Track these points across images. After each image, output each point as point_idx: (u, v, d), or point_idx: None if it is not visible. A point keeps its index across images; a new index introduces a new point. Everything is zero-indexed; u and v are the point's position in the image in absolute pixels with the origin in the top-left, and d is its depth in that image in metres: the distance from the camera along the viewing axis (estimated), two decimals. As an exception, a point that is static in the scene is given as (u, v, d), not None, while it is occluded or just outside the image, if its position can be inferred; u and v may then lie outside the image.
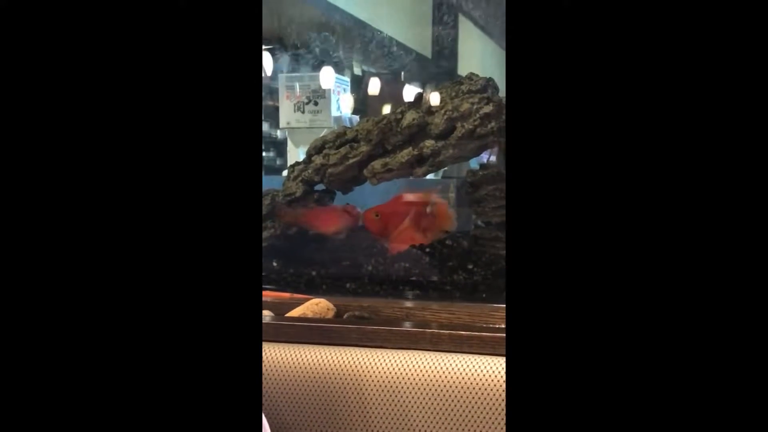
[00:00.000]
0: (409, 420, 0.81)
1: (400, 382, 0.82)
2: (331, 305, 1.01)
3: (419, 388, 0.81)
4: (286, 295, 1.11)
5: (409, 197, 1.14)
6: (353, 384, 0.84)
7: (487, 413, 0.78)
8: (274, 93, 2.02)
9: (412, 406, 0.81)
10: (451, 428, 0.79)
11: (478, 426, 0.78)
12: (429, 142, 1.13)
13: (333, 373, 0.85)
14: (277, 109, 1.97)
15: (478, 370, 0.79)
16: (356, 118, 1.95)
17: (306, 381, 0.86)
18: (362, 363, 0.84)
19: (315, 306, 1.00)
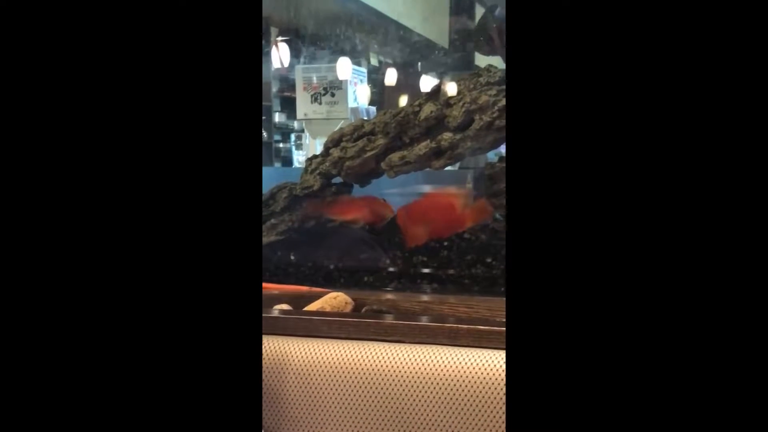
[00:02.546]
0: (427, 415, 0.81)
1: (417, 377, 0.82)
2: (349, 299, 1.01)
3: (437, 383, 0.81)
4: (304, 288, 1.11)
5: (442, 194, 1.14)
6: (371, 378, 0.84)
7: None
8: (291, 84, 2.02)
9: (430, 401, 0.81)
10: (471, 423, 0.79)
11: (497, 421, 0.78)
12: (447, 135, 1.13)
13: (350, 368, 0.85)
14: (294, 100, 1.97)
15: (497, 365, 0.79)
16: (373, 109, 1.95)
17: (323, 375, 0.86)
18: (380, 357, 0.84)
19: (333, 300, 1.00)
